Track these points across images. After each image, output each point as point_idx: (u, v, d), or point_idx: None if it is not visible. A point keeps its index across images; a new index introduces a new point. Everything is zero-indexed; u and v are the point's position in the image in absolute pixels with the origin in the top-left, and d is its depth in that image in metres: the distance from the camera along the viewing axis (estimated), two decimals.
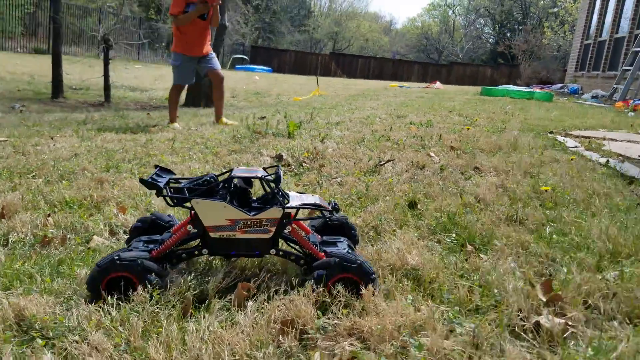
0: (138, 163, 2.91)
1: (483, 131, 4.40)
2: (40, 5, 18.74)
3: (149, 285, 1.27)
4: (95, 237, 1.73)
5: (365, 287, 1.29)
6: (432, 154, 3.28)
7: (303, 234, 1.46)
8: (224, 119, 5.14)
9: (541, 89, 13.90)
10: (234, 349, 1.07)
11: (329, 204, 1.46)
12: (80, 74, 10.35)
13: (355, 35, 38.47)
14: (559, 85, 15.18)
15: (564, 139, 4.13)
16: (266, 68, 25.29)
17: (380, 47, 40.55)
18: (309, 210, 1.60)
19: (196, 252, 1.42)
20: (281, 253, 1.43)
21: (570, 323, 1.17)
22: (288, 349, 1.09)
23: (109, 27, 7.92)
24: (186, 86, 8.79)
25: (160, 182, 1.39)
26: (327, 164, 2.96)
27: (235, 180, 1.45)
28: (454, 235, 1.80)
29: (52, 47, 8.43)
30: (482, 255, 1.59)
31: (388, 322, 1.14)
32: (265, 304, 1.25)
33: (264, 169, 1.48)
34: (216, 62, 5.18)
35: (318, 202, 1.44)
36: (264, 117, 5.31)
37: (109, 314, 1.18)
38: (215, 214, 1.36)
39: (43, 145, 3.31)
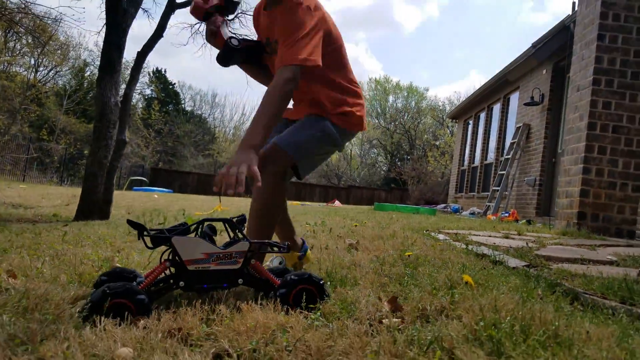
0: (28, 248, 2.87)
1: (369, 228, 4.89)
2: None
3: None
4: None
5: (317, 292, 1.66)
6: (321, 240, 3.63)
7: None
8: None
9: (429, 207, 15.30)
10: (125, 342, 1.24)
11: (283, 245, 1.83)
12: None
13: None
14: (443, 205, 16.78)
15: (436, 234, 4.71)
16: (167, 190, 24.55)
17: None
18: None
19: (174, 286, 1.65)
20: (246, 282, 1.73)
21: (406, 321, 1.48)
22: (169, 346, 1.27)
23: None
24: (78, 198, 8.36)
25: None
26: None
27: (205, 228, 1.78)
28: (328, 284, 2.09)
29: None
30: (347, 290, 1.89)
31: (262, 321, 1.37)
32: (157, 321, 1.43)
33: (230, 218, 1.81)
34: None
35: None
36: (163, 223, 5.44)
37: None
38: (193, 248, 1.65)
39: None
